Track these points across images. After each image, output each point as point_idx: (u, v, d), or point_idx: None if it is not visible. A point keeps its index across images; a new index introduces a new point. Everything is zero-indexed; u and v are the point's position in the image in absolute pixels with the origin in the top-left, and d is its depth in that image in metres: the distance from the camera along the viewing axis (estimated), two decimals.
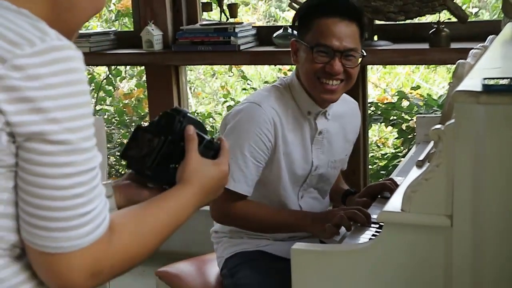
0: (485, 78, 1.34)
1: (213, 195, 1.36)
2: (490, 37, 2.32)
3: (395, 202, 1.50)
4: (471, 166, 1.37)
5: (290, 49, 2.18)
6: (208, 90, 5.49)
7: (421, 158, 1.79)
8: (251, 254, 2.18)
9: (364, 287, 1.51)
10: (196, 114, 4.74)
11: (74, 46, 1.04)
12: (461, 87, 1.38)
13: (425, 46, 3.07)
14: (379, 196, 2.21)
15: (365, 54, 2.11)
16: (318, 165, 2.21)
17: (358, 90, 3.28)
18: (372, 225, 1.93)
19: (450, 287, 1.43)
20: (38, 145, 1.00)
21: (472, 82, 1.42)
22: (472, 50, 2.01)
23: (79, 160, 1.02)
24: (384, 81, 5.24)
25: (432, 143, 1.97)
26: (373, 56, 3.13)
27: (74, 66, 1.02)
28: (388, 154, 4.19)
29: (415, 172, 1.72)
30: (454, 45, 3.04)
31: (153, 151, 1.34)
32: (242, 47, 3.29)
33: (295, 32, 2.26)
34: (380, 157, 4.23)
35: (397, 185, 2.19)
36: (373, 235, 1.85)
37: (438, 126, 1.41)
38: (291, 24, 2.28)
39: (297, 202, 2.22)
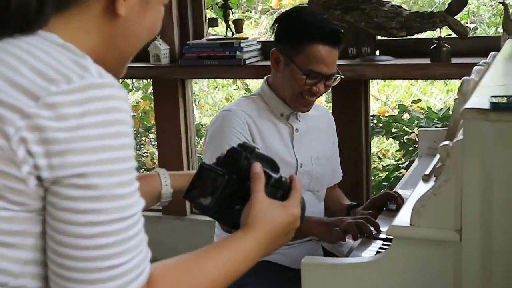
0: (492, 96, 1.39)
1: (282, 240, 1.24)
2: (492, 53, 2.37)
3: (403, 217, 1.53)
4: (479, 182, 1.40)
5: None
6: (211, 102, 5.54)
7: (427, 172, 1.83)
8: (258, 264, 2.19)
9: None
10: (200, 125, 4.79)
11: (118, 84, 0.97)
12: (469, 104, 1.42)
13: (426, 61, 3.11)
14: (384, 208, 2.25)
15: (343, 76, 2.29)
16: (302, 162, 2.31)
17: (360, 103, 3.33)
18: (379, 238, 1.96)
19: None
20: (64, 189, 0.93)
21: (479, 100, 1.46)
22: (475, 67, 2.05)
23: (108, 208, 0.93)
24: (383, 93, 5.29)
25: (437, 157, 2.01)
26: (376, 70, 3.18)
27: (114, 106, 0.94)
28: (389, 166, 4.23)
29: (422, 186, 1.75)
30: (454, 60, 3.08)
31: (216, 191, 1.23)
32: (247, 61, 3.34)
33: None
34: (382, 168, 4.27)
35: (400, 196, 2.23)
36: (380, 247, 1.88)
37: (446, 142, 1.45)
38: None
39: None
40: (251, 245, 1.16)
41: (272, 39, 2.43)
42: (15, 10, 0.99)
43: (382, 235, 1.98)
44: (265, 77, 2.38)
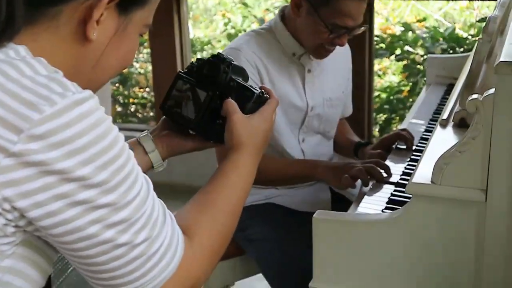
0: None
1: (265, 145, 1.27)
2: None
3: (424, 173, 1.43)
4: (509, 140, 1.30)
5: None
6: (202, 7, 5.33)
7: (444, 116, 1.72)
8: (261, 207, 2.13)
9: (390, 260, 1.45)
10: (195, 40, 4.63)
11: (91, 93, 0.90)
12: (504, 56, 1.30)
13: None
14: (394, 147, 2.14)
15: (367, 26, 2.10)
16: (313, 105, 2.16)
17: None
18: (390, 182, 1.87)
19: (481, 263, 1.39)
20: (84, 217, 0.89)
21: None
22: (498, 0, 1.91)
23: (129, 214, 0.92)
24: (384, 6, 5.09)
25: (454, 97, 1.89)
26: None
27: (98, 117, 0.89)
28: (390, 87, 4.10)
29: (440, 133, 1.65)
30: None
31: (199, 107, 1.26)
32: None
33: None
34: (383, 90, 4.13)
35: (411, 135, 2.13)
36: (392, 194, 1.79)
37: (475, 96, 1.33)
38: None
39: (299, 146, 2.17)
40: (247, 161, 1.20)
41: None
42: None
43: (393, 179, 1.88)
44: (279, 9, 2.17)
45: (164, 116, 1.36)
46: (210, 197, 1.12)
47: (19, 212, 0.88)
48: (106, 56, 1.01)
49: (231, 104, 1.23)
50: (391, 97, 3.93)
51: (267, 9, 4.65)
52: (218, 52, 1.31)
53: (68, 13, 0.94)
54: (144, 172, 1.24)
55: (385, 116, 3.96)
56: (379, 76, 4.37)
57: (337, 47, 2.12)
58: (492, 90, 1.30)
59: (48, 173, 0.85)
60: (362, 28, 2.06)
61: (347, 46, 2.30)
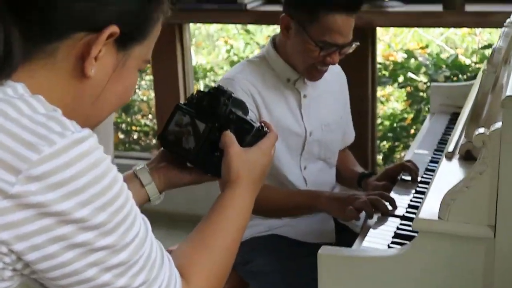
0: None
1: (263, 180, 1.26)
2: None
3: (430, 208, 1.41)
4: None
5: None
6: (204, 32, 5.32)
7: (450, 149, 1.69)
8: (264, 238, 2.10)
9: None
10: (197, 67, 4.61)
11: (89, 132, 0.89)
12: (511, 90, 1.28)
13: (439, 8, 2.95)
14: (398, 178, 2.12)
15: (358, 43, 2.07)
16: (311, 130, 2.15)
17: (367, 52, 3.15)
18: (395, 215, 1.84)
19: None
20: (81, 260, 0.88)
21: None
22: (503, 29, 1.89)
23: (128, 256, 0.91)
24: (386, 32, 5.07)
25: (459, 128, 1.87)
26: (384, 18, 3.02)
27: (97, 157, 0.88)
28: (393, 114, 4.07)
29: (445, 166, 1.63)
30: (469, 8, 2.92)
31: (198, 139, 1.24)
32: (248, 6, 3.16)
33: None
34: (386, 117, 4.10)
35: (416, 166, 2.10)
36: (398, 227, 1.76)
37: (482, 130, 1.31)
38: None
39: (301, 174, 2.14)
40: (244, 195, 1.19)
41: None
42: None
43: (399, 212, 1.85)
44: (271, 38, 2.18)
45: (162, 148, 1.34)
46: (207, 234, 1.10)
47: (16, 255, 0.86)
48: (105, 92, 0.99)
49: (229, 137, 1.22)
50: (395, 125, 3.91)
51: (269, 36, 4.64)
52: (219, 85, 1.31)
53: (65, 50, 0.94)
54: (141, 206, 1.23)
55: (389, 144, 3.94)
56: (381, 102, 4.35)
57: (332, 71, 2.13)
58: (499, 124, 1.28)
59: (46, 215, 0.84)
60: (353, 45, 2.05)
61: (341, 72, 2.31)
